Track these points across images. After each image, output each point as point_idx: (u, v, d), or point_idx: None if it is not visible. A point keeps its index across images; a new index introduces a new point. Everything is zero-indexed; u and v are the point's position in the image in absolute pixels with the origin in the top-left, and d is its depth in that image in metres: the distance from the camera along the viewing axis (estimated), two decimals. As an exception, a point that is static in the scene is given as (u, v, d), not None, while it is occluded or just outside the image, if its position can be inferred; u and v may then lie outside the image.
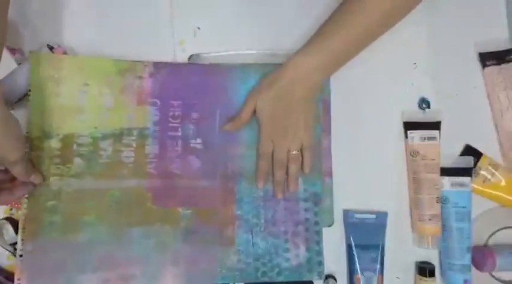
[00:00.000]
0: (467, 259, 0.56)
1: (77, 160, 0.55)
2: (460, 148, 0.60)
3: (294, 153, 0.55)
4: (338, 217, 0.58)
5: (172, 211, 0.55)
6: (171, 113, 0.57)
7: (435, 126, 0.58)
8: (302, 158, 0.56)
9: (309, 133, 0.56)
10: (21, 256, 0.52)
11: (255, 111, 0.55)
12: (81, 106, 0.56)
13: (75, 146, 0.55)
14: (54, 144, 0.55)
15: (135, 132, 0.56)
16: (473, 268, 0.57)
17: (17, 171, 0.50)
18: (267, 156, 0.56)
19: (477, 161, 0.59)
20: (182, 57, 0.59)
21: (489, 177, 0.59)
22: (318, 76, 0.54)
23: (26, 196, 0.53)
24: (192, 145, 0.57)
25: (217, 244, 0.55)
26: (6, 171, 0.51)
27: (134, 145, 0.56)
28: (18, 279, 0.52)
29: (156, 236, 0.54)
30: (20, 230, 0.53)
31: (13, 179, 0.52)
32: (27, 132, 0.54)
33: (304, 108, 0.55)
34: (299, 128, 0.55)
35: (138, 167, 0.56)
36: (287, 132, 0.55)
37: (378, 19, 0.53)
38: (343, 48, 0.53)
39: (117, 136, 0.56)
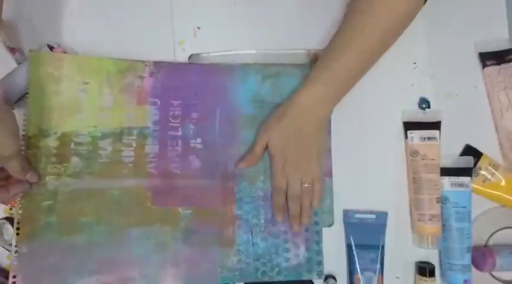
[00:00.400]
0: (467, 259, 0.56)
1: (75, 159, 0.55)
2: (460, 148, 0.60)
3: (305, 185, 0.55)
4: (338, 217, 0.58)
5: (172, 211, 0.55)
6: (171, 113, 0.57)
7: (435, 126, 0.58)
8: (313, 190, 0.56)
9: (320, 164, 0.56)
10: (15, 257, 0.52)
11: (267, 146, 0.55)
12: (80, 105, 0.55)
13: (72, 145, 0.55)
14: (51, 142, 0.54)
15: (135, 132, 0.56)
16: (473, 268, 0.57)
17: (12, 167, 0.50)
18: (282, 191, 0.55)
19: (477, 161, 0.59)
20: (182, 57, 0.59)
21: (489, 177, 0.58)
22: (326, 106, 0.54)
23: (21, 195, 0.53)
24: (192, 145, 0.57)
25: (217, 244, 0.55)
26: (1, 169, 0.51)
27: (134, 144, 0.56)
28: (13, 282, 0.52)
29: (156, 236, 0.54)
30: (14, 232, 0.53)
31: (8, 177, 0.52)
32: (24, 130, 0.54)
33: (316, 139, 0.55)
34: (311, 160, 0.55)
35: (138, 167, 0.55)
36: (300, 164, 0.54)
37: (377, 39, 0.52)
38: (347, 76, 0.53)
39: (117, 136, 0.56)
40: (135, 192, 0.55)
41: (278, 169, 0.55)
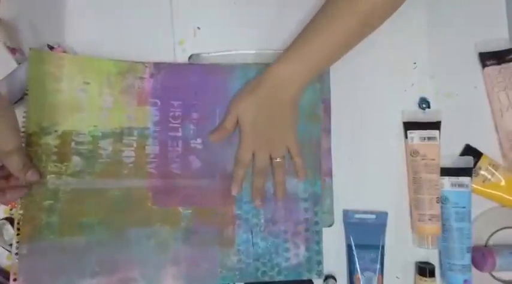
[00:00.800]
0: (467, 259, 0.56)
1: (75, 159, 0.55)
2: (460, 148, 0.60)
3: (277, 160, 0.55)
4: (338, 217, 0.58)
5: (173, 211, 0.55)
6: (171, 113, 0.57)
7: (435, 126, 0.58)
8: (294, 165, 0.56)
9: (295, 139, 0.56)
10: (16, 259, 0.52)
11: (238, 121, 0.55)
12: (80, 104, 0.55)
13: (73, 144, 0.55)
14: (52, 140, 0.54)
15: (135, 132, 0.56)
16: (473, 268, 0.57)
17: (13, 163, 0.49)
18: (245, 164, 0.55)
19: (477, 161, 0.59)
20: (182, 57, 0.59)
21: (489, 177, 0.58)
22: (299, 83, 0.54)
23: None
24: (192, 145, 0.57)
25: (217, 244, 0.55)
26: (1, 167, 0.50)
27: (135, 145, 0.56)
28: (14, 280, 0.52)
29: (156, 236, 0.54)
30: (14, 232, 0.52)
31: (9, 176, 0.51)
32: (23, 127, 0.53)
33: (287, 114, 0.55)
34: (283, 135, 0.55)
35: (139, 167, 0.55)
36: (269, 139, 0.54)
37: (356, 22, 0.51)
38: (323, 55, 0.53)
39: (118, 136, 0.56)
40: (136, 192, 0.55)
41: (244, 143, 0.55)
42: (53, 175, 0.54)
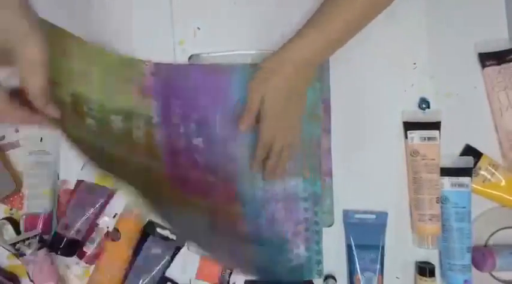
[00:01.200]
0: (467, 259, 0.56)
1: (90, 121, 0.51)
2: (460, 148, 0.60)
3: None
4: (338, 217, 0.58)
5: (190, 200, 0.53)
6: (172, 113, 0.57)
7: (435, 126, 0.58)
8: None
9: (298, 130, 0.55)
10: None
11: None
12: (85, 84, 0.52)
13: (85, 108, 0.51)
14: (66, 96, 0.49)
15: (141, 119, 0.55)
16: (473, 268, 0.57)
17: (36, 83, 0.42)
18: (268, 146, 0.54)
19: (477, 161, 0.59)
20: (182, 57, 0.60)
21: (489, 177, 0.58)
22: (314, 66, 0.53)
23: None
24: (193, 144, 0.57)
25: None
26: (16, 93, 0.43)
27: (143, 128, 0.55)
28: None
29: (187, 213, 0.52)
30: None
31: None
32: None
33: (303, 101, 0.55)
34: (294, 122, 0.55)
35: (149, 149, 0.54)
36: (287, 123, 0.54)
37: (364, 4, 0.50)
38: (333, 39, 0.51)
39: (127, 114, 0.54)
40: (153, 173, 0.53)
41: (268, 127, 0.53)
42: (71, 125, 0.48)
